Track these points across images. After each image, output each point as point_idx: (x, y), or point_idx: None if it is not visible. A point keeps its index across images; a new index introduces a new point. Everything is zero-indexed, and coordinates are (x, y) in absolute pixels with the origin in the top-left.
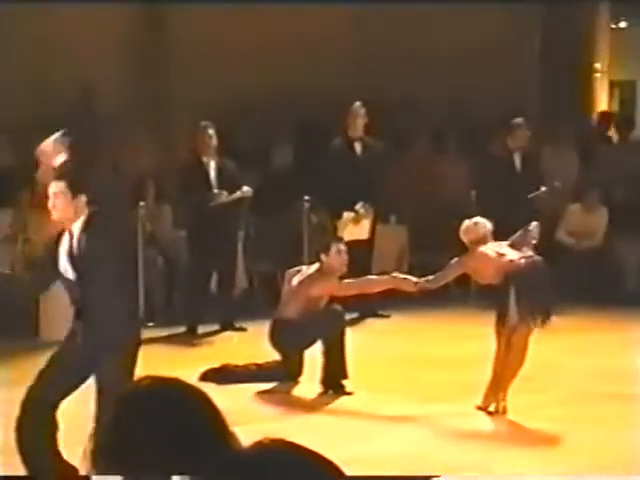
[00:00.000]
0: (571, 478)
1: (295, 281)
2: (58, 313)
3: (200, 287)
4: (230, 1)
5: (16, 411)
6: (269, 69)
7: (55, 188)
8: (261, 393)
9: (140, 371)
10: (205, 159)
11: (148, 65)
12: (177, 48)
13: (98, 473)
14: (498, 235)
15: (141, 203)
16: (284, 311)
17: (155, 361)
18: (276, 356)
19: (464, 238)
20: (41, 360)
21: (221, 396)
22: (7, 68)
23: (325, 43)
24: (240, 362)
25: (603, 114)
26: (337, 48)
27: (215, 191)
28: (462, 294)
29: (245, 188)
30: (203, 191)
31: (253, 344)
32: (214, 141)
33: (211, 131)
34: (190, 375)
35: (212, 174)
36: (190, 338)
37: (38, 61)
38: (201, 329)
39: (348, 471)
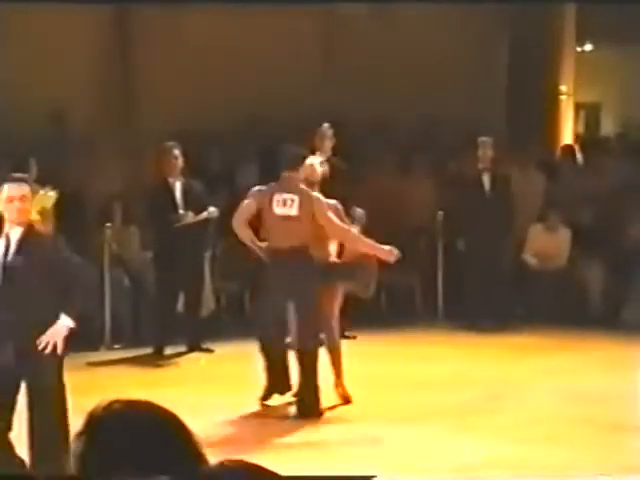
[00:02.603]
0: (571, 478)
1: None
2: None
3: (167, 308)
4: (197, 4)
5: None
6: (236, 89)
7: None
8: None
9: (108, 393)
10: (171, 180)
11: (114, 87)
12: (143, 70)
13: None
14: (470, 257)
15: (108, 224)
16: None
17: (122, 382)
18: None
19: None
20: None
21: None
22: None
23: (293, 61)
24: (207, 384)
25: (569, 136)
26: (305, 67)
27: (181, 212)
28: (429, 314)
29: (211, 209)
30: (169, 212)
31: (220, 365)
32: (180, 162)
33: (177, 152)
34: (157, 397)
35: (178, 195)
36: (157, 359)
37: (3, 82)
38: (168, 350)
39: None
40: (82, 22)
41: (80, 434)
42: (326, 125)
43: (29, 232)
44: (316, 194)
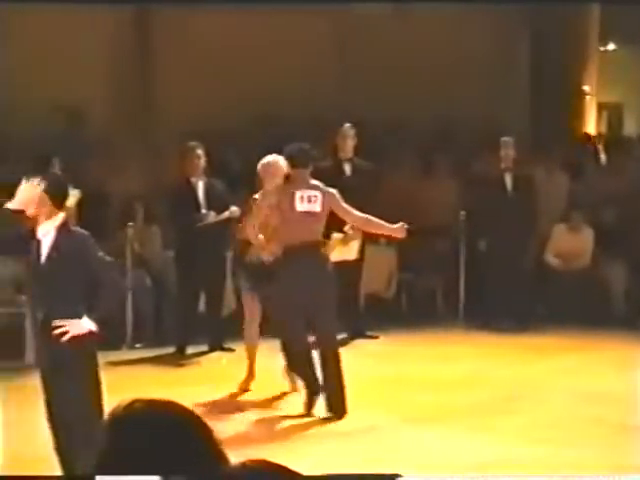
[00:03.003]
0: (572, 478)
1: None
2: None
3: (188, 307)
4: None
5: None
6: (252, 88)
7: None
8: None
9: (129, 392)
10: (193, 179)
11: (133, 87)
12: (162, 70)
13: None
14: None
15: (129, 224)
16: None
17: (143, 382)
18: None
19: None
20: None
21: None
22: None
23: (309, 60)
24: (228, 383)
25: (591, 136)
26: (326, 67)
27: (203, 211)
28: (451, 314)
29: (233, 208)
30: (191, 212)
31: (242, 364)
32: (202, 161)
33: (199, 151)
34: (179, 396)
35: (200, 194)
36: (178, 359)
37: (23, 83)
38: (189, 350)
39: None
40: (101, 22)
41: (102, 432)
42: (348, 125)
43: (63, 228)
44: (331, 189)
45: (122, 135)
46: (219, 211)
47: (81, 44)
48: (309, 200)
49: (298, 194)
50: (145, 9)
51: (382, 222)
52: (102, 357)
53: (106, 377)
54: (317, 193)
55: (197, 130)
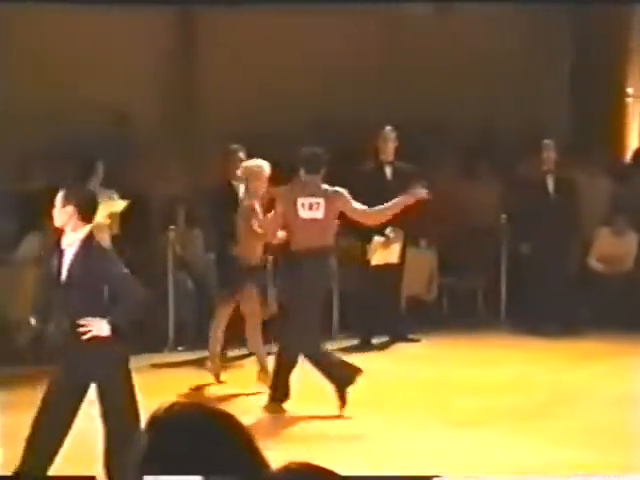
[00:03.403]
0: (572, 478)
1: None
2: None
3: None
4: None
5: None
6: (298, 92)
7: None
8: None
9: (171, 395)
10: (235, 182)
11: (178, 90)
12: (207, 72)
13: None
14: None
15: (171, 227)
16: None
17: (185, 384)
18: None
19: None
20: None
21: None
22: (38, 92)
23: (353, 65)
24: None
25: (635, 139)
26: (366, 70)
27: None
28: (492, 317)
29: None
30: (233, 214)
31: None
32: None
33: (242, 154)
34: (220, 398)
35: (241, 197)
36: (220, 361)
37: (67, 86)
38: (231, 352)
39: None
40: (147, 23)
41: (142, 434)
42: (389, 128)
43: (86, 242)
44: (339, 189)
45: (165, 137)
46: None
47: (126, 45)
48: (310, 207)
49: (300, 201)
50: (190, 10)
51: (391, 202)
52: (144, 360)
53: (148, 380)
54: (320, 200)
55: (240, 132)
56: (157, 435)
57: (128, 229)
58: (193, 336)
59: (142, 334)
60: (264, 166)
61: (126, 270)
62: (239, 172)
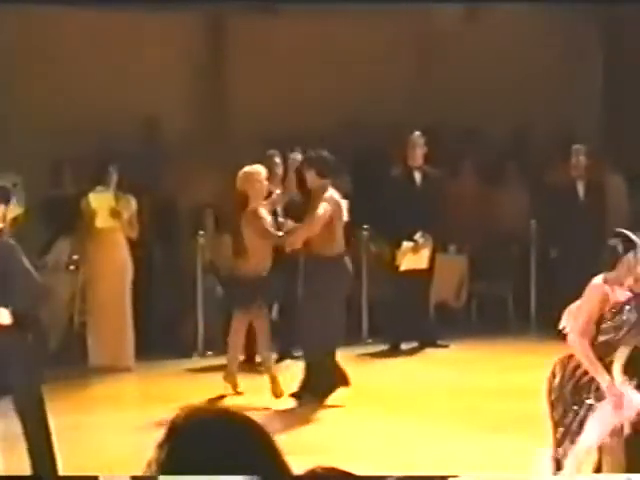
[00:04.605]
0: (573, 478)
1: None
2: (105, 339)
3: None
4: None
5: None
6: (328, 98)
7: None
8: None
9: (198, 400)
10: (271, 188)
11: (210, 94)
12: (237, 77)
13: None
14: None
15: (200, 232)
16: None
17: (212, 389)
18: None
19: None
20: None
21: None
22: (68, 98)
23: (384, 71)
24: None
25: None
26: (396, 77)
27: (280, 220)
28: (521, 323)
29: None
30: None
31: None
32: (280, 170)
33: (277, 160)
34: (247, 403)
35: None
36: (248, 366)
37: (97, 92)
38: (259, 358)
39: None
40: (177, 31)
41: (162, 442)
42: (417, 133)
43: None
44: (338, 200)
45: (195, 142)
46: (296, 220)
47: (157, 51)
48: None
49: (342, 204)
50: (222, 15)
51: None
52: (174, 365)
53: (177, 385)
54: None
55: (269, 137)
56: (178, 440)
57: (157, 234)
58: (222, 341)
59: (171, 339)
60: (260, 171)
61: (29, 266)
62: (242, 177)
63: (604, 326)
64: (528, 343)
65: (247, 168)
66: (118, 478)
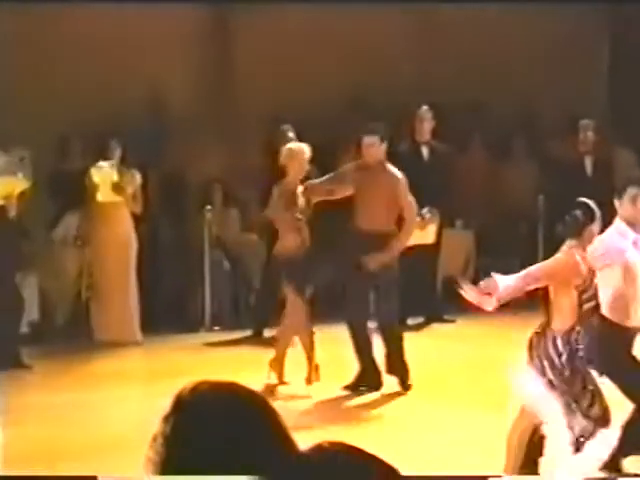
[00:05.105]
0: (573, 478)
1: None
2: (110, 314)
3: (269, 291)
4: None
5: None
6: (333, 73)
7: None
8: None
9: (205, 375)
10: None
11: (216, 69)
12: (245, 52)
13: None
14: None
15: (208, 207)
16: None
17: (220, 364)
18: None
19: None
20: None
21: None
22: (75, 73)
23: (389, 44)
24: (303, 367)
25: None
26: (402, 50)
27: None
28: (529, 299)
29: None
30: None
31: (320, 348)
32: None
33: (291, 134)
34: (255, 379)
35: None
36: (256, 342)
37: (105, 65)
38: (267, 333)
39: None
40: (184, 9)
41: (167, 416)
42: (425, 107)
43: None
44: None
45: (202, 118)
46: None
47: (163, 27)
48: None
49: None
50: None
51: None
52: (180, 340)
53: (184, 359)
54: None
55: (276, 113)
56: (183, 415)
57: (164, 208)
58: (229, 316)
59: (178, 314)
60: (305, 150)
61: None
62: (285, 153)
63: (585, 296)
64: (535, 319)
65: (292, 144)
66: (118, 478)
